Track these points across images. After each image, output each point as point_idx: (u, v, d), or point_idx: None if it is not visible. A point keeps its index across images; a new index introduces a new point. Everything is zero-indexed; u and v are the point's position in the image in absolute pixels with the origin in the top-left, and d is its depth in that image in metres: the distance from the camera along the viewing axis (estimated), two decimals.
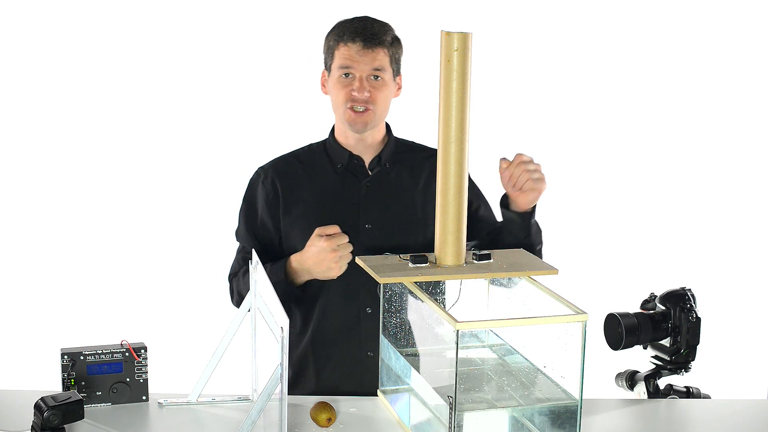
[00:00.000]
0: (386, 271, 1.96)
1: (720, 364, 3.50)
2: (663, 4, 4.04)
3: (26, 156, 3.95)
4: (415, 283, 1.94)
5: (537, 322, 1.86)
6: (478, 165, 2.47)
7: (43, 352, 2.92)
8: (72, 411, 1.78)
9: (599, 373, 2.39)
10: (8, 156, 3.94)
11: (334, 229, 2.20)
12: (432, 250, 2.07)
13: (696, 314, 2.26)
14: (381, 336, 2.15)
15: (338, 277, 2.24)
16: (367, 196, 2.40)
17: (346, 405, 2.11)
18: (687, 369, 2.31)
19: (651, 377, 2.33)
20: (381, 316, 2.13)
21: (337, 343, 2.40)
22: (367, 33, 2.31)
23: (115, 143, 3.97)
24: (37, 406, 1.78)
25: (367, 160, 2.43)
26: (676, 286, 2.32)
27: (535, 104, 4.07)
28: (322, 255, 2.19)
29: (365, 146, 2.42)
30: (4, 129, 3.93)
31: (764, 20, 4.05)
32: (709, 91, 4.09)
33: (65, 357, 2.08)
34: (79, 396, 1.80)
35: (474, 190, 2.50)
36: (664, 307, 2.29)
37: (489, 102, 3.69)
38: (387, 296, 2.11)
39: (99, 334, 2.40)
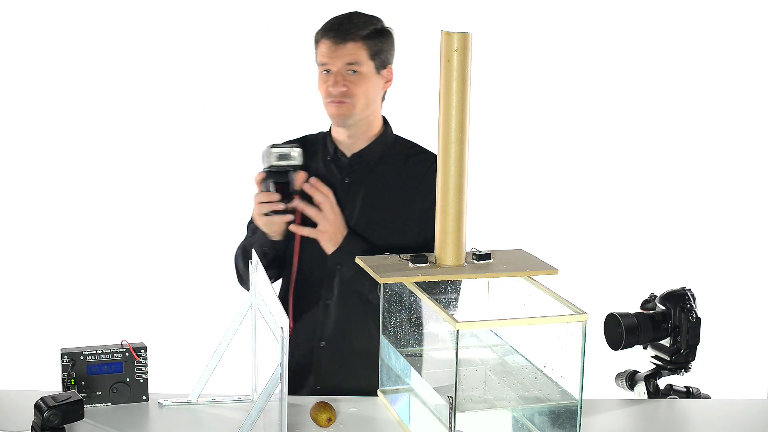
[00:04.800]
0: (386, 271, 1.96)
1: (720, 364, 3.50)
2: (663, 4, 4.04)
3: (26, 156, 3.95)
4: (415, 283, 1.94)
5: (537, 322, 1.86)
6: (478, 165, 2.47)
7: (43, 352, 2.92)
8: (72, 411, 1.78)
9: (599, 373, 2.39)
10: (9, 156, 3.94)
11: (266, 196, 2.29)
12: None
13: (696, 314, 2.26)
14: (381, 336, 2.15)
15: (303, 266, 2.38)
16: (345, 193, 2.41)
17: (346, 405, 2.12)
18: (687, 369, 2.31)
19: (651, 377, 2.33)
20: (381, 316, 2.13)
21: (294, 329, 2.43)
22: (341, 28, 2.35)
23: (115, 144, 3.97)
24: (37, 406, 1.78)
25: (348, 155, 2.45)
26: (676, 286, 2.32)
27: (535, 104, 4.07)
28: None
29: (354, 142, 2.43)
30: (4, 129, 3.93)
31: (764, 20, 4.04)
32: (709, 91, 4.09)
33: (65, 357, 2.08)
34: (79, 396, 1.80)
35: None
36: (664, 307, 2.29)
37: (489, 102, 3.69)
38: (387, 296, 2.11)
39: (99, 334, 2.40)
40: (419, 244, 2.36)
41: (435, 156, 2.45)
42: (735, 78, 4.08)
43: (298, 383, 2.42)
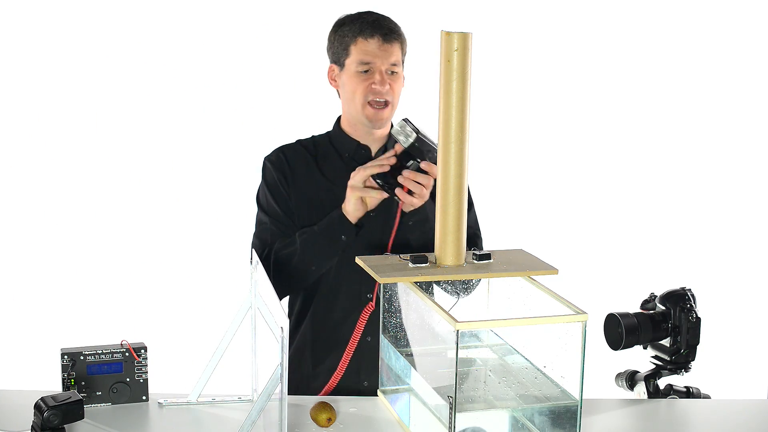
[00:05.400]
0: (386, 271, 1.96)
1: (720, 364, 3.50)
2: (663, 4, 4.04)
3: (27, 157, 3.95)
4: (415, 283, 1.94)
5: (537, 322, 1.86)
6: (478, 165, 2.47)
7: (43, 352, 2.92)
8: (72, 411, 1.78)
9: (599, 373, 2.39)
10: (9, 156, 3.94)
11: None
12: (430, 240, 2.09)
13: (696, 314, 2.26)
14: (381, 336, 2.15)
15: (340, 261, 2.35)
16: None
17: (346, 405, 2.12)
18: (687, 369, 2.31)
19: (651, 377, 2.33)
20: (381, 316, 2.13)
21: (337, 326, 2.43)
22: (386, 28, 2.36)
23: (114, 144, 3.97)
24: (37, 406, 1.77)
25: (374, 150, 2.46)
26: (676, 286, 2.32)
27: (535, 104, 4.07)
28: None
29: (373, 138, 2.45)
30: (4, 130, 3.93)
31: (764, 20, 4.05)
32: (709, 91, 4.09)
33: (65, 357, 2.08)
34: (79, 396, 1.80)
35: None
36: (664, 307, 2.29)
37: (489, 102, 3.69)
38: (387, 296, 2.11)
39: (99, 334, 2.40)
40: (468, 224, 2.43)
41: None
42: (735, 78, 4.08)
43: (347, 380, 2.38)
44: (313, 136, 2.52)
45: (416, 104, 2.85)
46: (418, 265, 1.99)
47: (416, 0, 3.78)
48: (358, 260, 2.07)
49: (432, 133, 2.37)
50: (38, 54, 3.89)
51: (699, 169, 4.14)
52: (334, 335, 2.43)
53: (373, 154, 2.46)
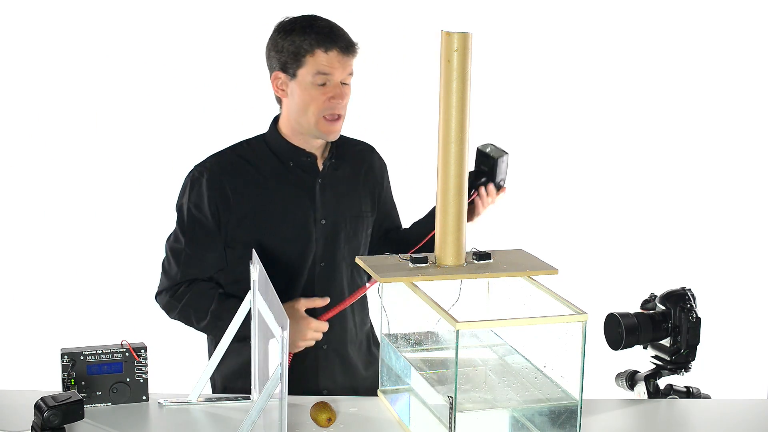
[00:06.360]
0: (386, 271, 1.96)
1: (720, 364, 3.50)
2: (663, 4, 4.04)
3: (26, 157, 3.95)
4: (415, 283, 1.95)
5: (537, 322, 1.86)
6: None
7: (43, 352, 2.93)
8: (72, 411, 1.78)
9: (599, 373, 2.39)
10: (8, 157, 3.94)
11: (322, 302, 2.26)
12: (373, 244, 2.16)
13: (696, 314, 2.26)
14: (381, 336, 2.15)
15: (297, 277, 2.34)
16: (320, 193, 2.37)
17: (346, 405, 2.12)
18: (687, 369, 2.31)
19: (651, 377, 2.33)
20: (381, 315, 2.13)
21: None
22: (345, 40, 2.27)
23: (114, 144, 3.97)
24: (37, 406, 1.78)
25: (320, 158, 2.39)
26: (676, 286, 2.32)
27: (535, 104, 4.07)
28: (300, 334, 2.22)
29: (314, 146, 2.37)
30: (4, 130, 3.93)
31: (764, 20, 4.05)
32: (709, 91, 4.09)
33: (65, 357, 2.08)
34: (79, 396, 1.80)
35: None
36: (664, 307, 2.29)
37: (489, 102, 3.69)
38: (387, 296, 2.11)
39: (99, 334, 2.40)
40: (397, 225, 2.53)
41: (368, 144, 2.52)
42: (735, 78, 4.08)
43: (304, 387, 2.35)
44: (247, 141, 2.41)
45: (416, 104, 2.85)
46: (418, 265, 1.99)
47: (416, 0, 3.78)
48: (357, 260, 2.07)
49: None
50: (26, 55, 3.88)
51: (699, 170, 4.14)
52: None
53: (318, 162, 2.38)
